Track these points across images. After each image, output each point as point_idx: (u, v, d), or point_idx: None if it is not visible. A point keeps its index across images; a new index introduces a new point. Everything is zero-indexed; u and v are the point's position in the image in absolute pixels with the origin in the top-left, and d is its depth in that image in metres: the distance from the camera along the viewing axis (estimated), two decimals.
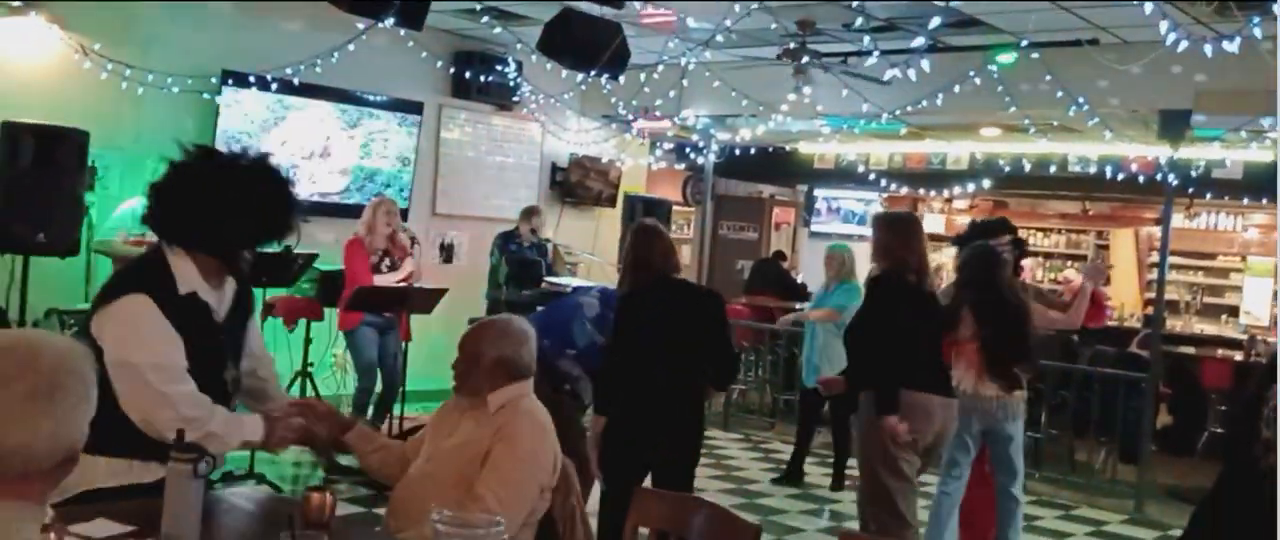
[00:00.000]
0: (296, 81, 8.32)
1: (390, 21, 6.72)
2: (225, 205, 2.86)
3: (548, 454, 3.16)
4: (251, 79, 8.27)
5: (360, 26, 7.50)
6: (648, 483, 4.47)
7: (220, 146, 7.95)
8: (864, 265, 6.02)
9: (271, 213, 2.95)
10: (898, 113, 8.58)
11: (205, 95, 8.07)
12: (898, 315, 4.76)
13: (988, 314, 5.25)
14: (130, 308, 2.81)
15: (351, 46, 7.85)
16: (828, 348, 7.44)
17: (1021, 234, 6.14)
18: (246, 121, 8.38)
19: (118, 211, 7.08)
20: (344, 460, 6.78)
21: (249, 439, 3.01)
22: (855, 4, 7.25)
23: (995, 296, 5.29)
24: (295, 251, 6.96)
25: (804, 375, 7.84)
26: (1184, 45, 5.84)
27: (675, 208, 12.34)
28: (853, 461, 6.51)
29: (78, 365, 1.74)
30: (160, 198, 2.91)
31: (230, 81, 8.19)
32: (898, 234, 4.90)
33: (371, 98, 9.13)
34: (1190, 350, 10.35)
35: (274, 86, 8.32)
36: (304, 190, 8.66)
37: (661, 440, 4.58)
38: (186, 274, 2.88)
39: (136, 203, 7.11)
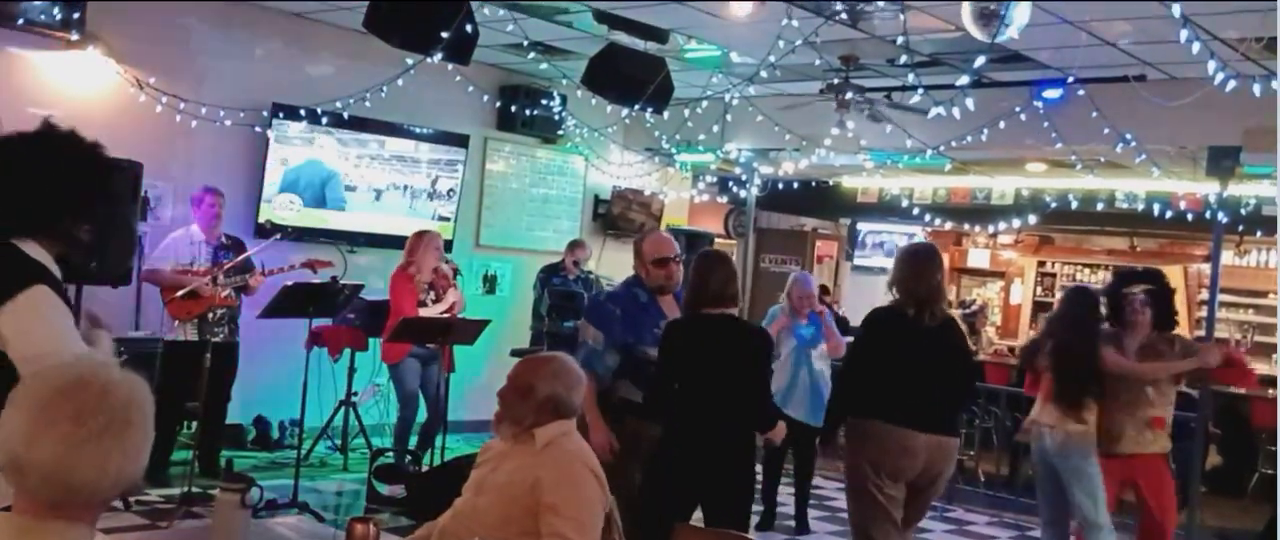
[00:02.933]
0: (346, 114, 8.44)
1: (438, 56, 6.81)
2: (38, 180, 2.74)
3: (604, 492, 3.22)
4: (301, 112, 8.39)
5: (409, 62, 7.60)
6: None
7: (268, 182, 8.23)
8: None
9: (78, 179, 2.81)
10: (942, 148, 8.55)
11: (256, 128, 8.21)
12: (876, 347, 4.88)
13: (1056, 348, 5.51)
14: (35, 299, 2.69)
15: (400, 81, 7.96)
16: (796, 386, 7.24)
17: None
18: (296, 154, 8.51)
19: (165, 241, 7.20)
20: (385, 490, 6.86)
21: None
22: (899, 40, 7.25)
23: (1068, 334, 5.49)
24: (341, 282, 7.06)
25: None
26: (1232, 84, 5.80)
27: (717, 240, 12.34)
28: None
29: (143, 399, 1.78)
30: None
31: (281, 114, 8.32)
32: (910, 265, 4.93)
33: (418, 130, 9.25)
34: (1240, 390, 10.17)
35: (324, 119, 8.44)
36: (354, 223, 8.81)
37: (713, 472, 4.49)
38: (43, 259, 2.78)
39: (184, 233, 7.23)
